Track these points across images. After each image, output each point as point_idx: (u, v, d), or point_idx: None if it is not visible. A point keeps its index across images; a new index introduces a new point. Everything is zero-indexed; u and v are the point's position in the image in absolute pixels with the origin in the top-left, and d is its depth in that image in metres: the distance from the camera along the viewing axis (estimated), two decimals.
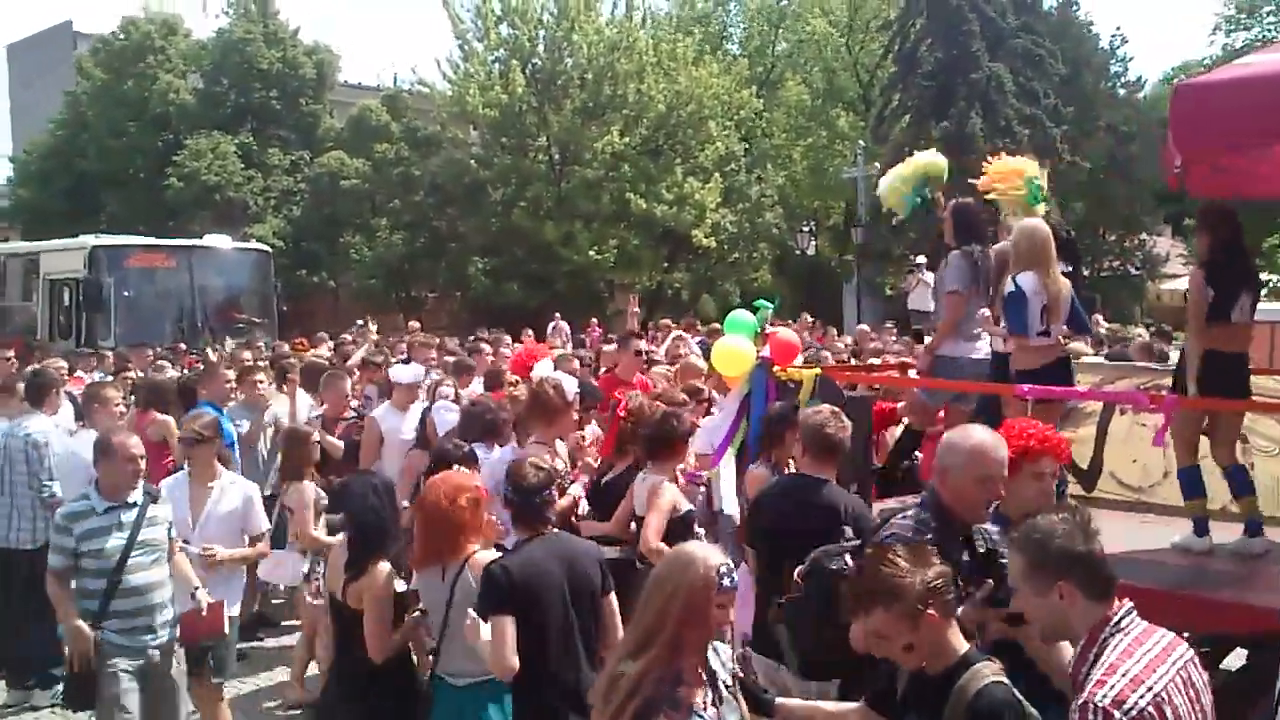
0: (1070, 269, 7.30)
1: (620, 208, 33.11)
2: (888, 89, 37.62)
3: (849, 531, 4.74)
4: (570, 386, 7.14)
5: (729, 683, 3.60)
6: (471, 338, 16.68)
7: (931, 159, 8.43)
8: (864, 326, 17.19)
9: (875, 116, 37.85)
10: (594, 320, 24.78)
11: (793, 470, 5.95)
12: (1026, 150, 31.38)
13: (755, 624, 5.40)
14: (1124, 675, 2.79)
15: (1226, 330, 6.34)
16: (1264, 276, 30.45)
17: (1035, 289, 6.48)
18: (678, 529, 5.90)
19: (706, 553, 3.58)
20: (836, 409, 5.37)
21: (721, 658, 3.65)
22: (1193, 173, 6.14)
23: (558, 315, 22.88)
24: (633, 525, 6.28)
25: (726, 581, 3.48)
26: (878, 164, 34.51)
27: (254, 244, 24.27)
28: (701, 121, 35.15)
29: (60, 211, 33.80)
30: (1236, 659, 5.91)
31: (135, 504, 5.72)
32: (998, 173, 7.62)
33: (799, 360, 8.05)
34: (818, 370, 7.59)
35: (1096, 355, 10.58)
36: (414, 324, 19.00)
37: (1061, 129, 35.38)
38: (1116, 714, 2.71)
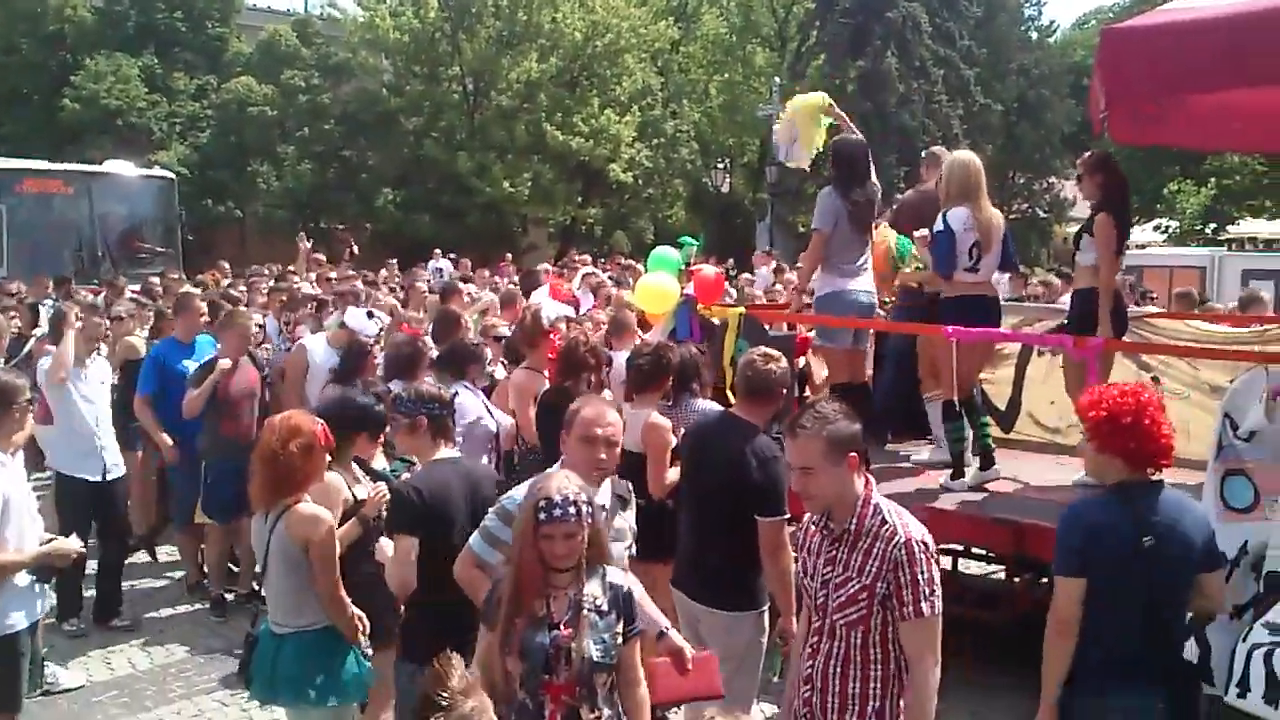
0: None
1: (535, 140, 32.80)
2: (805, 26, 37.59)
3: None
4: (554, 311, 7.54)
5: (603, 609, 3.56)
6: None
7: (808, 99, 8.20)
8: (788, 274, 17.18)
9: (792, 54, 37.78)
10: (506, 255, 24.51)
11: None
12: (940, 92, 31.40)
13: (676, 559, 5.34)
14: (915, 521, 3.59)
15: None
16: (1165, 222, 31.38)
17: (965, 224, 6.51)
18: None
19: (548, 482, 3.55)
20: (770, 350, 5.25)
21: (606, 582, 3.62)
22: (1115, 118, 6.18)
23: (437, 251, 22.38)
24: None
25: (548, 514, 3.45)
26: None
27: (157, 170, 23.46)
28: (618, 54, 34.89)
29: None
30: None
31: (602, 507, 4.10)
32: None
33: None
34: (742, 310, 7.58)
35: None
36: (317, 256, 18.38)
37: (975, 70, 35.69)
38: (930, 545, 3.53)
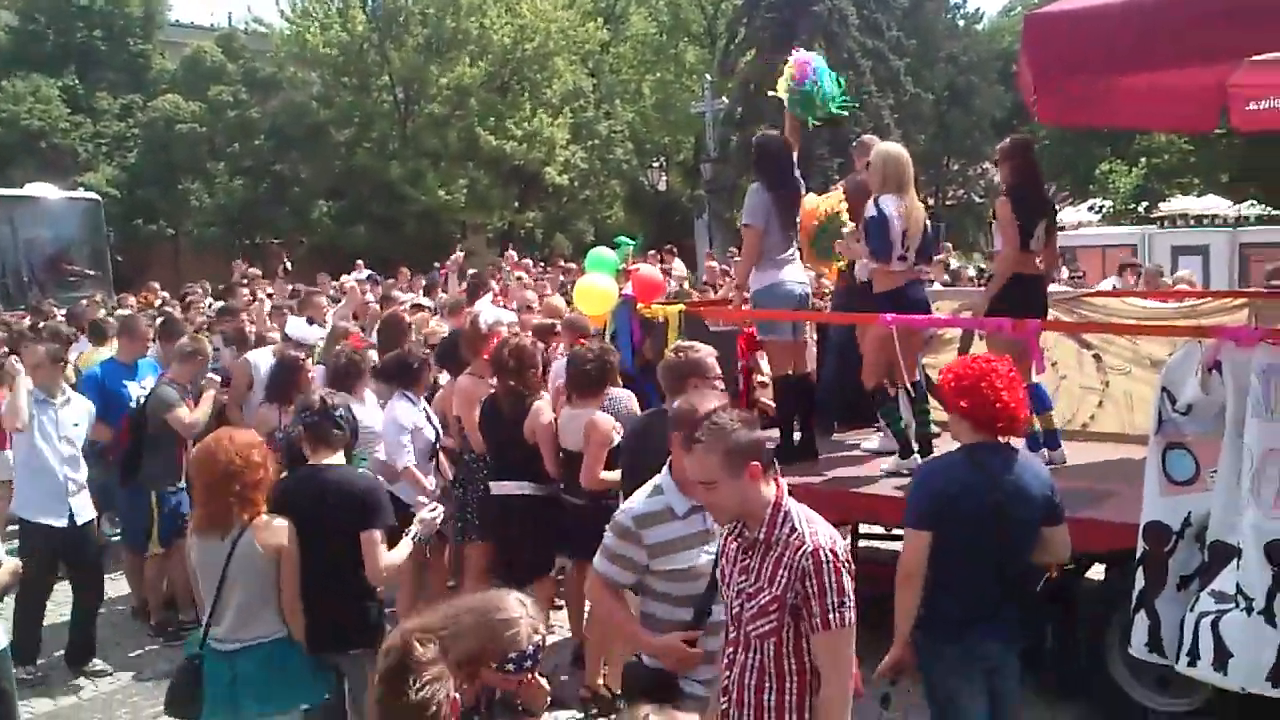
0: None
1: (468, 146, 32.63)
2: (733, 22, 37.68)
3: None
4: (491, 316, 7.49)
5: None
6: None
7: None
8: (714, 264, 17.27)
9: (721, 50, 37.88)
10: (446, 261, 24.28)
11: None
12: (869, 81, 31.32)
13: None
14: (826, 527, 3.47)
15: (1027, 256, 6.69)
16: (1099, 201, 31.81)
17: (897, 212, 6.57)
18: (612, 459, 5.97)
19: (523, 629, 3.10)
20: (687, 343, 5.37)
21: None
22: (1043, 101, 6.26)
23: (359, 263, 21.93)
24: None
25: (519, 667, 3.09)
26: (724, 98, 34.66)
27: (82, 192, 23.04)
28: (548, 57, 34.78)
29: None
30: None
31: None
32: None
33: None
34: (681, 306, 7.58)
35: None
36: (253, 270, 18.10)
37: (904, 61, 35.98)
38: (840, 553, 3.39)
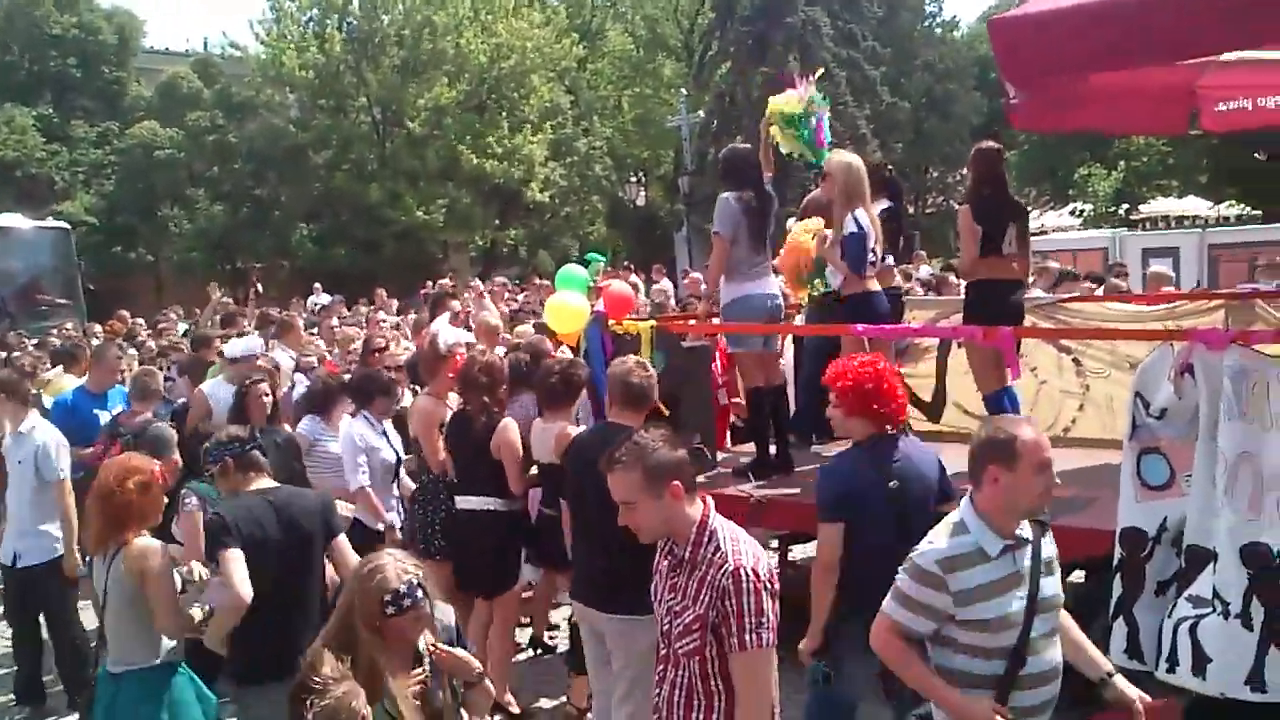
0: (892, 205, 7.50)
1: (448, 165, 32.62)
2: (707, 35, 37.75)
3: None
4: (450, 337, 7.49)
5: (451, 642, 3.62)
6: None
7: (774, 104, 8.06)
8: (696, 274, 17.19)
9: (696, 64, 37.96)
10: (428, 282, 24.25)
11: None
12: (845, 90, 31.23)
13: (574, 573, 5.44)
14: (751, 546, 3.46)
15: (1000, 261, 6.61)
16: (1079, 205, 31.93)
17: (868, 224, 6.60)
18: None
19: (388, 570, 3.35)
20: (641, 360, 5.51)
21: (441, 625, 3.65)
22: (1016, 106, 6.23)
23: (317, 286, 21.84)
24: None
25: (398, 607, 3.30)
26: (701, 112, 34.68)
27: (51, 222, 22.99)
28: (524, 74, 34.80)
29: None
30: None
31: (1026, 540, 3.59)
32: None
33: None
34: (653, 322, 7.52)
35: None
36: (224, 298, 17.93)
37: (880, 70, 36.05)
38: (761, 573, 3.36)
